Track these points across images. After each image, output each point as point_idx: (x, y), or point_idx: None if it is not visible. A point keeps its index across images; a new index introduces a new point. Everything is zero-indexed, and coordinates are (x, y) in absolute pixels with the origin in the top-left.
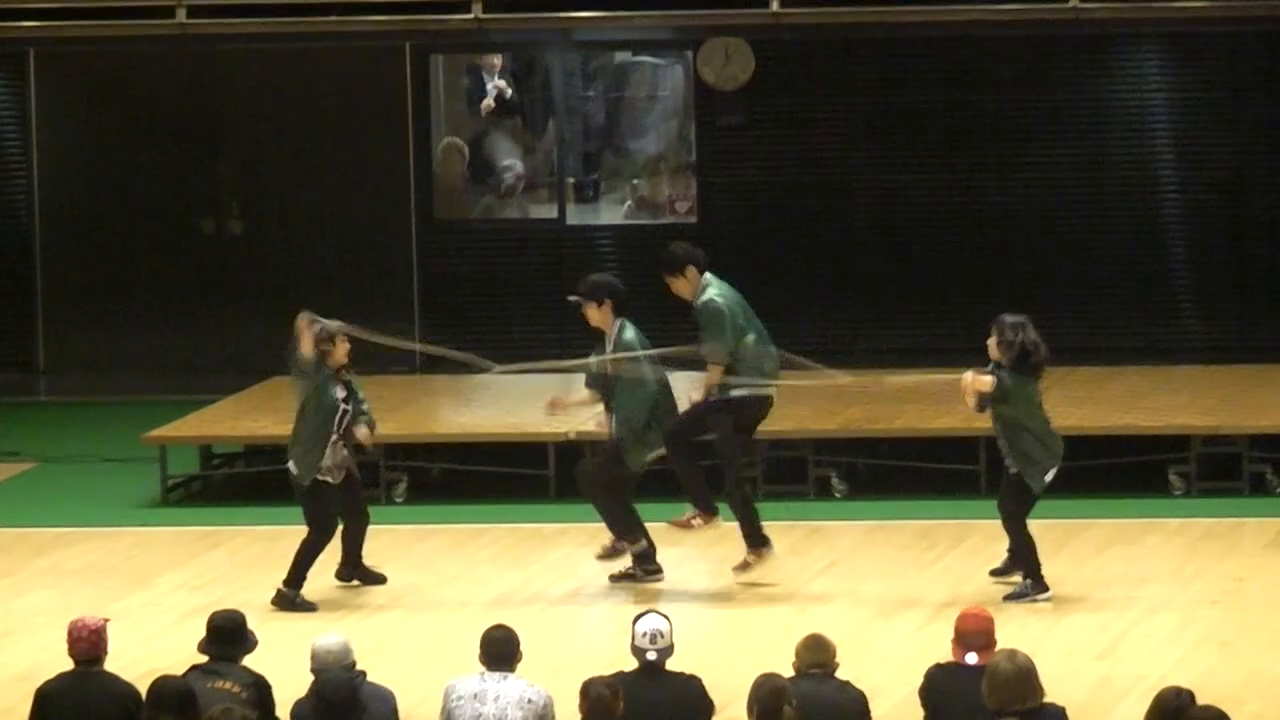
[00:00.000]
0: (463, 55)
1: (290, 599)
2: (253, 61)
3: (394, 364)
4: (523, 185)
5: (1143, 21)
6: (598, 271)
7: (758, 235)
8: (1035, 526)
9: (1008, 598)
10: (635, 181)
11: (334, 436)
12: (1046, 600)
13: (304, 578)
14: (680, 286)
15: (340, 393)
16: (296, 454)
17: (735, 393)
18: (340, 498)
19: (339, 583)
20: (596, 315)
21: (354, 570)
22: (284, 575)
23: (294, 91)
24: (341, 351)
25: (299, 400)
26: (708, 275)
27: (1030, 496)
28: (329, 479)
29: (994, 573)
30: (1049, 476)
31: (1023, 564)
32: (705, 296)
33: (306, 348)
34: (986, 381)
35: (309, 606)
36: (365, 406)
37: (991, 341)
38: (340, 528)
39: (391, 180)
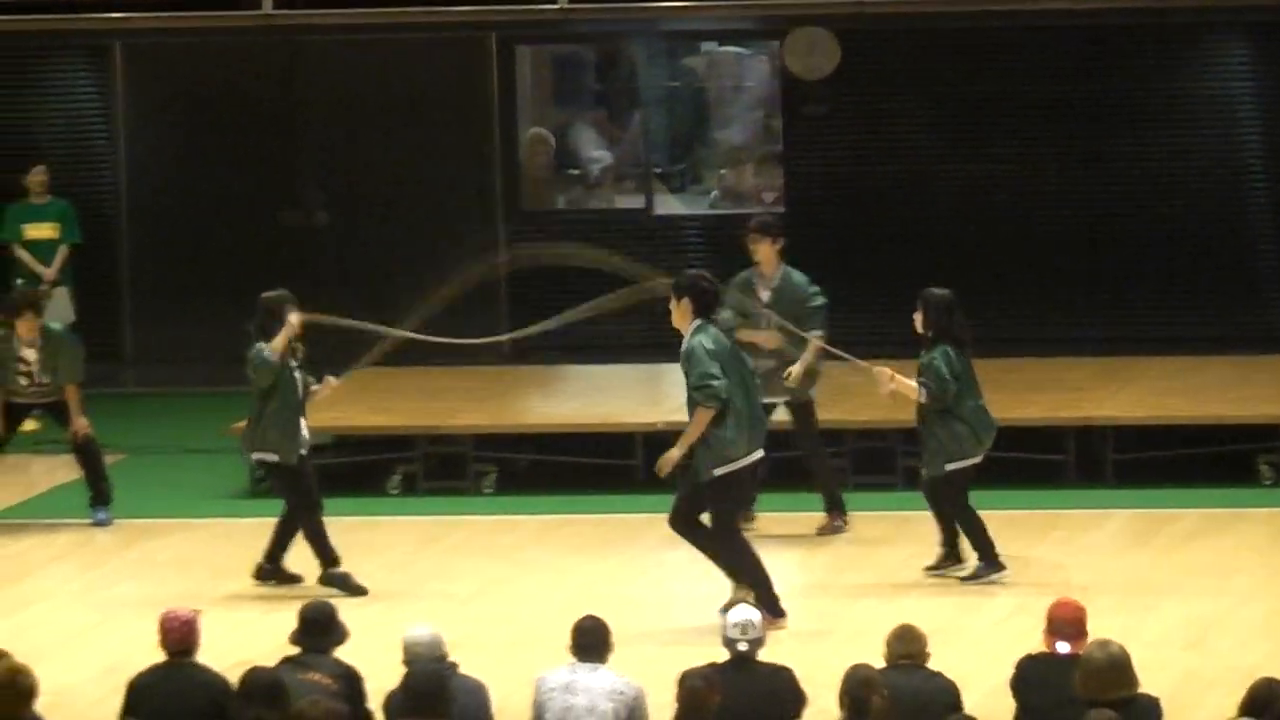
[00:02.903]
0: (548, 45)
1: (336, 578)
2: (338, 52)
3: (483, 356)
4: (610, 177)
5: (1229, 10)
6: (686, 262)
7: (845, 225)
8: (1123, 518)
9: (965, 579)
10: (722, 172)
11: (304, 407)
12: (1002, 577)
13: (332, 550)
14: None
15: (293, 364)
16: (274, 439)
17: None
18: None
19: (256, 582)
20: (768, 253)
21: (273, 571)
22: (321, 563)
23: (379, 82)
24: (296, 319)
25: (263, 386)
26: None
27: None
28: (303, 450)
29: (930, 569)
30: (952, 466)
31: (974, 545)
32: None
33: (281, 344)
34: (910, 388)
35: (359, 589)
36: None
37: (918, 316)
38: (280, 517)
39: (478, 171)
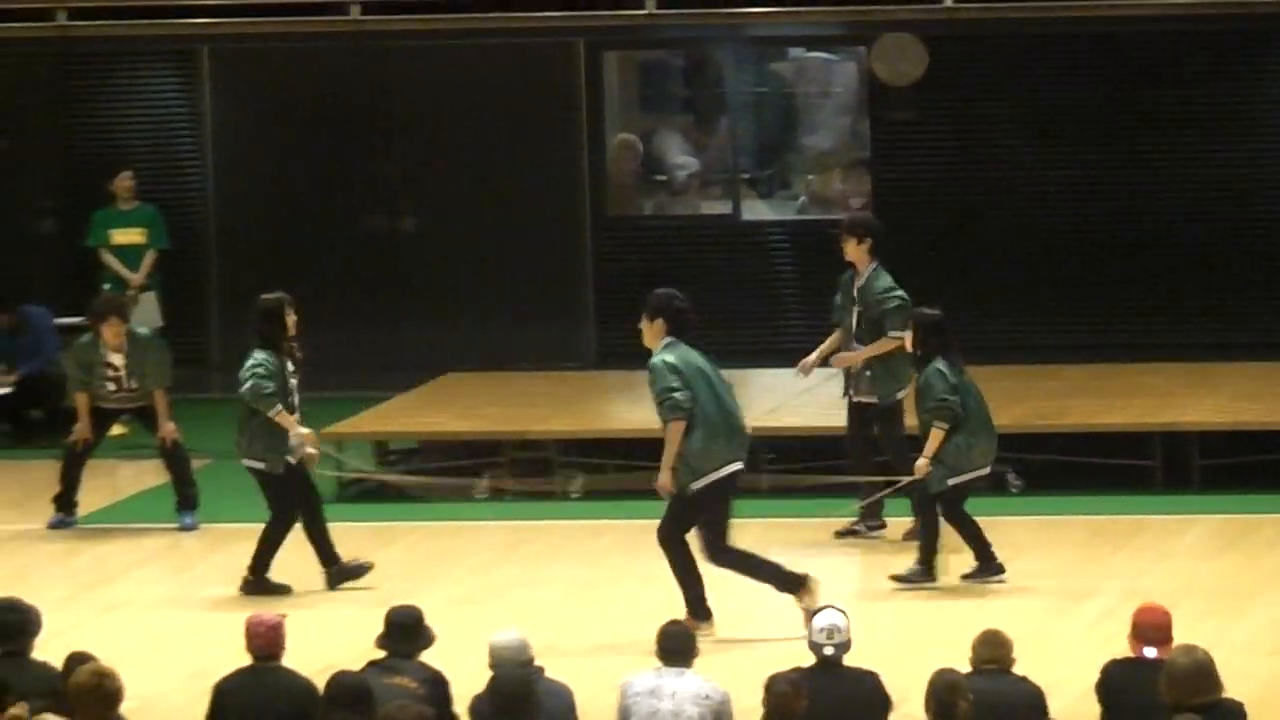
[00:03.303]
0: (635, 51)
1: (262, 585)
2: (426, 58)
3: (570, 359)
4: (696, 183)
5: None
6: (773, 268)
7: (932, 230)
8: (1210, 523)
9: (898, 576)
10: (809, 177)
11: (296, 415)
12: (933, 585)
13: (269, 564)
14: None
15: (290, 367)
16: (259, 449)
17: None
18: (296, 481)
19: (331, 591)
20: (855, 252)
21: (337, 571)
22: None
23: (467, 88)
24: (292, 322)
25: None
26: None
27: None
28: (290, 459)
29: (965, 577)
30: (955, 481)
31: (923, 546)
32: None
33: (288, 424)
34: (934, 443)
35: (283, 588)
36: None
37: (907, 336)
38: (304, 524)
39: (565, 177)
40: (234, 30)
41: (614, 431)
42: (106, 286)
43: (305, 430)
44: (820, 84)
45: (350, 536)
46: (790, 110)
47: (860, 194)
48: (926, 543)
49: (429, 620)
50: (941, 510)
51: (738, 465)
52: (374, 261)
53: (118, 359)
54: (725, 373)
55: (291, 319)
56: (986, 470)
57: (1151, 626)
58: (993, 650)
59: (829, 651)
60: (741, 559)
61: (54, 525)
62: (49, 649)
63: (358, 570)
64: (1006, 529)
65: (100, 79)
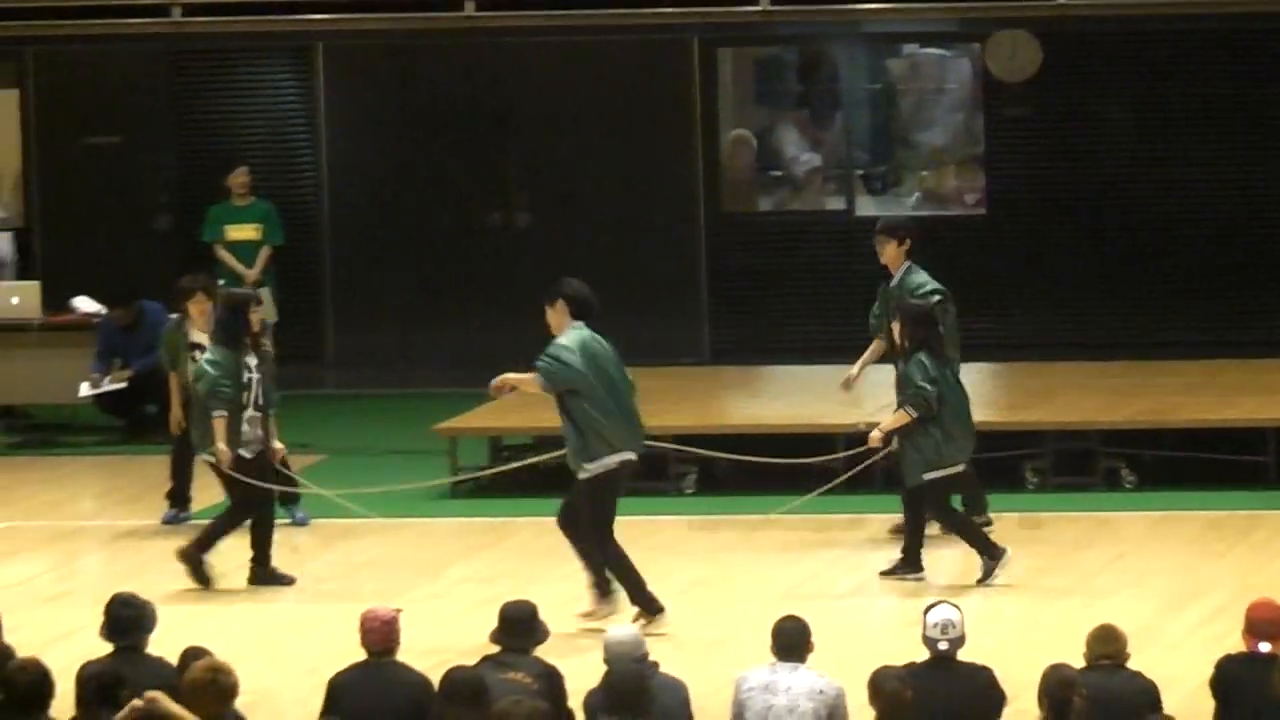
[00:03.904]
0: (750, 47)
1: (267, 576)
2: (540, 54)
3: (684, 354)
4: (819, 178)
5: None
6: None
7: (1046, 227)
8: None
9: (979, 580)
10: (923, 174)
11: (249, 411)
12: (1007, 560)
13: (268, 552)
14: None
15: (252, 361)
16: (211, 445)
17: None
18: (258, 474)
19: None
20: (894, 254)
21: (194, 564)
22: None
23: (581, 84)
24: (256, 319)
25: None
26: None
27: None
28: (244, 453)
29: (885, 573)
30: (931, 475)
31: (972, 545)
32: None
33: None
34: (899, 418)
35: (287, 579)
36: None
37: (895, 327)
38: (250, 523)
39: (679, 172)
40: (349, 26)
41: (729, 427)
42: (221, 282)
43: (223, 447)
44: (934, 80)
45: (465, 532)
46: (904, 106)
47: (974, 190)
48: (910, 537)
49: (543, 615)
50: (904, 504)
51: (631, 455)
52: (488, 257)
53: (204, 339)
54: (834, 368)
55: (256, 317)
56: (963, 467)
57: (1265, 622)
58: (1107, 645)
59: (943, 647)
60: (621, 560)
61: (168, 521)
62: (164, 644)
63: (206, 580)
64: (1120, 524)
65: (215, 75)
